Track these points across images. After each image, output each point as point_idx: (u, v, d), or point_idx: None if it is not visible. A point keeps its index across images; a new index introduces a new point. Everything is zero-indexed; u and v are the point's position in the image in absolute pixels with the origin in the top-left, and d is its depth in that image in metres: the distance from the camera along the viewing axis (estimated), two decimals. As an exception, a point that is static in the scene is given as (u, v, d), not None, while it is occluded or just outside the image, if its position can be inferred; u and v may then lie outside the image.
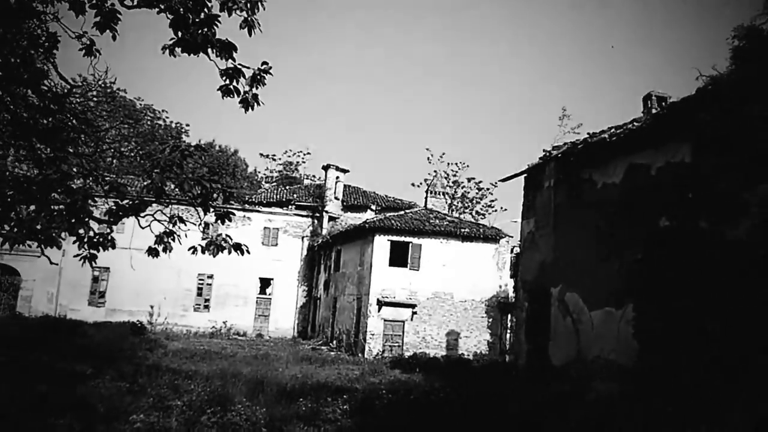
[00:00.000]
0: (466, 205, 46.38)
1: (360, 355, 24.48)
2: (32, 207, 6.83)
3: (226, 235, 7.18)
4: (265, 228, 33.40)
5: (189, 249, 7.40)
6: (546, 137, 76.90)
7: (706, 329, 8.92)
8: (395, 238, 25.72)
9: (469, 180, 46.52)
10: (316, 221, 33.91)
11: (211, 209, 7.23)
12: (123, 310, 30.24)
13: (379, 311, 25.12)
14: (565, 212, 13.28)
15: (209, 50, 6.12)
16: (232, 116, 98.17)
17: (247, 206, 32.67)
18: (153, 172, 6.99)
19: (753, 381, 8.03)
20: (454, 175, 46.50)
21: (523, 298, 14.87)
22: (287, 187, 37.59)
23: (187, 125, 45.85)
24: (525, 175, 15.18)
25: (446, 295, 25.90)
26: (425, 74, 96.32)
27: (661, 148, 10.38)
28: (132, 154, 18.48)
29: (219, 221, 7.29)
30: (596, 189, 12.22)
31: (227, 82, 6.31)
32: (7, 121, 7.02)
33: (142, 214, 7.18)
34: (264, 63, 6.35)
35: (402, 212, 28.93)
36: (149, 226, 7.41)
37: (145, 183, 7.26)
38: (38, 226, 6.51)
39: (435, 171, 43.86)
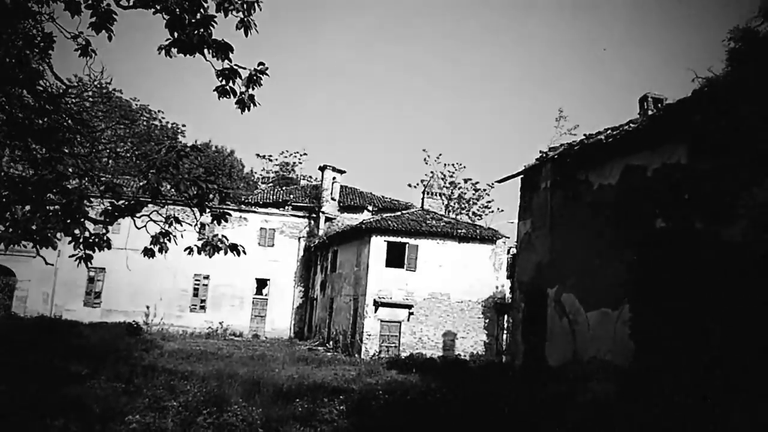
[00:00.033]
0: (463, 206, 46.36)
1: (357, 355, 24.46)
2: (27, 207, 6.80)
3: (223, 236, 7.19)
4: (261, 229, 33.36)
5: (185, 249, 7.42)
6: (542, 138, 76.88)
7: (702, 330, 8.95)
8: (392, 238, 25.72)
9: (465, 181, 46.51)
10: (312, 222, 33.88)
11: (208, 210, 7.24)
12: (119, 311, 30.15)
13: (375, 312, 25.11)
14: (562, 213, 13.31)
15: (205, 51, 6.11)
16: (229, 117, 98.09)
17: (243, 207, 32.63)
18: (149, 173, 7.00)
19: (751, 381, 8.05)
20: (451, 176, 46.47)
21: (520, 298, 14.89)
22: (284, 188, 37.53)
23: (184, 126, 45.85)
24: (521, 176, 15.22)
25: (443, 296, 25.92)
26: (422, 75, 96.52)
27: (657, 150, 10.42)
28: (128, 155, 18.46)
29: (215, 222, 7.29)
30: (592, 190, 12.25)
31: (223, 82, 6.29)
32: (3, 121, 6.99)
33: (137, 215, 7.17)
34: (260, 64, 6.35)
35: (399, 213, 28.92)
36: (145, 226, 7.41)
37: (141, 183, 7.27)
38: (33, 227, 6.50)
39: (432, 172, 44.00)
